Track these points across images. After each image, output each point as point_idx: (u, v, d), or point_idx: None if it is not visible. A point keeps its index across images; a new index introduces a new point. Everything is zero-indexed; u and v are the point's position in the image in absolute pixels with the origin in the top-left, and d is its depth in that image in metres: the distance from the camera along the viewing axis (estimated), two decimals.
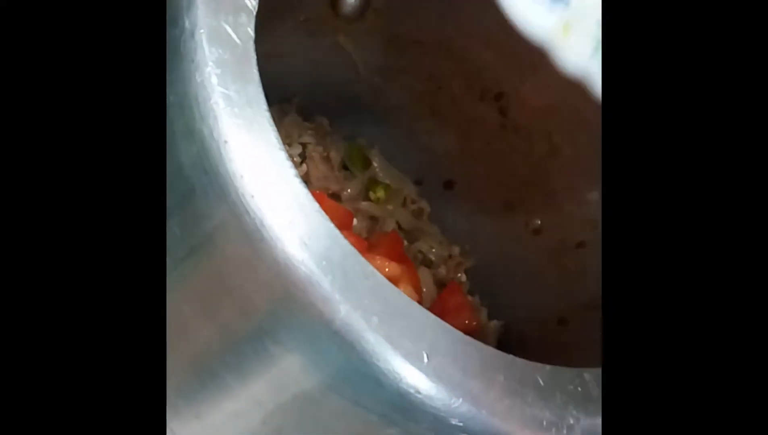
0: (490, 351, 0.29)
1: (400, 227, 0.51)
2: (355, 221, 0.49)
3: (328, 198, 0.48)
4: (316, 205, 0.27)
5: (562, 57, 0.33)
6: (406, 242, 0.51)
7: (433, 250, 0.51)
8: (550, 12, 0.33)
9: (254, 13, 0.30)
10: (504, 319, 0.50)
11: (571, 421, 0.29)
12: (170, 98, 0.28)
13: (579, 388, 0.30)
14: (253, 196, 0.27)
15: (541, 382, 0.29)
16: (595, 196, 0.48)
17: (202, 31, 0.28)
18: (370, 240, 0.48)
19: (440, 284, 0.50)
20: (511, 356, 0.29)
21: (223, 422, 0.30)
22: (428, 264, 0.51)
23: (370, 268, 0.27)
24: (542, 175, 0.50)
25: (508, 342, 0.50)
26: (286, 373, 0.28)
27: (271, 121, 0.28)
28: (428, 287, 0.48)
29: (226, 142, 0.27)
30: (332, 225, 0.27)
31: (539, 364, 0.29)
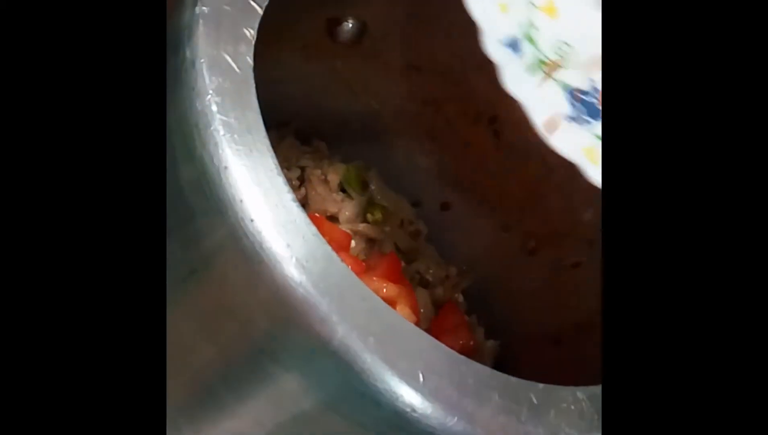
0: (485, 370, 0.29)
1: (397, 248, 0.52)
2: (353, 243, 0.49)
3: (326, 220, 0.48)
4: (314, 229, 0.28)
5: (594, 175, 0.33)
6: (403, 263, 0.51)
7: (431, 271, 0.52)
8: (584, 131, 0.34)
9: (253, 42, 0.31)
10: (500, 339, 0.51)
11: None
12: (171, 125, 0.29)
13: (572, 407, 0.30)
14: (252, 220, 0.27)
15: (534, 400, 0.29)
16: (590, 216, 0.48)
17: (202, 60, 0.29)
18: (368, 261, 0.49)
19: (438, 304, 0.51)
20: (505, 375, 0.29)
21: None
22: (425, 285, 0.52)
23: (367, 289, 0.28)
24: (537, 195, 0.50)
25: (505, 361, 0.50)
26: (284, 393, 0.28)
27: (270, 147, 0.29)
28: (426, 308, 0.49)
29: (226, 167, 0.28)
30: (329, 248, 0.28)
31: (533, 383, 0.30)
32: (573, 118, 0.34)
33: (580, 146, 0.34)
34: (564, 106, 0.34)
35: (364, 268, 0.47)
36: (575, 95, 0.35)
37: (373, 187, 0.52)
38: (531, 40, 0.35)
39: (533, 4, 0.36)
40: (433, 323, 0.49)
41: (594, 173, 0.33)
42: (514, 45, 0.34)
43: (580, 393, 0.31)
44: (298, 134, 0.51)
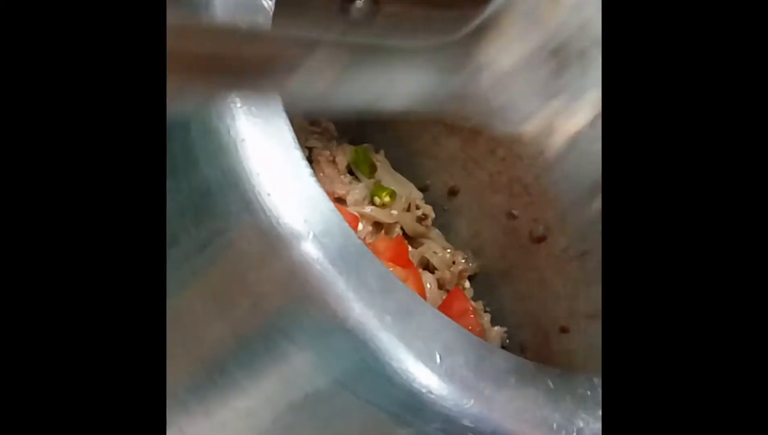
0: (502, 353, 0.29)
1: (404, 233, 0.51)
2: (360, 226, 0.49)
3: (334, 202, 0.48)
4: (331, 204, 0.28)
5: None
6: (410, 247, 0.51)
7: (437, 256, 0.51)
8: None
9: (271, 14, 0.30)
10: (506, 326, 0.50)
11: (581, 424, 0.29)
12: None
13: (588, 392, 0.30)
14: (269, 194, 0.27)
15: (551, 385, 0.29)
16: (598, 204, 0.48)
17: None
18: (374, 244, 0.48)
19: (444, 290, 0.50)
20: (521, 359, 0.29)
21: (232, 420, 0.30)
22: (432, 270, 0.51)
23: (384, 267, 0.27)
24: (546, 182, 0.50)
25: (511, 348, 0.50)
26: (298, 371, 0.28)
27: (287, 120, 0.28)
28: (432, 292, 0.49)
29: (243, 140, 0.27)
30: (346, 224, 0.28)
31: (549, 368, 0.29)
32: None
33: None
34: None
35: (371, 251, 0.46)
36: None
37: (381, 170, 0.51)
38: None
39: None
40: (440, 309, 0.48)
41: None
42: None
43: (597, 379, 0.30)
44: (306, 114, 0.50)
